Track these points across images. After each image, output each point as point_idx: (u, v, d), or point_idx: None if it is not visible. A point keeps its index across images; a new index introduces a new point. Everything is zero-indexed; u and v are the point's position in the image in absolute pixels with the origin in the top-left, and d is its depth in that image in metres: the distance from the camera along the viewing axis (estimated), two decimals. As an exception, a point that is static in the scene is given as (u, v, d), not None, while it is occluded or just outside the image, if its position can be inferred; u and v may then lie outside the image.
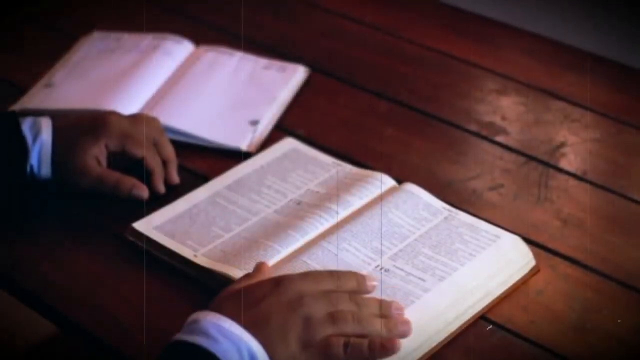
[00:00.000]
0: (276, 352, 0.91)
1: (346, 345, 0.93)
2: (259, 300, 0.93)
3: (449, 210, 1.13)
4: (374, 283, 1.00)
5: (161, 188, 1.19)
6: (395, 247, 1.08)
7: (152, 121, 1.22)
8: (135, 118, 1.22)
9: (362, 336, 0.93)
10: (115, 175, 1.17)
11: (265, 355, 0.90)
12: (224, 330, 0.90)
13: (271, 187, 1.18)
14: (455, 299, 1.02)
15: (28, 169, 1.15)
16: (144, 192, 1.17)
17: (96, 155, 1.17)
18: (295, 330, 0.92)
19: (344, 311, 0.94)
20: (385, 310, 0.97)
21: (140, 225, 1.12)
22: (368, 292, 0.99)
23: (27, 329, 1.74)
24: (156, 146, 1.20)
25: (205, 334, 0.90)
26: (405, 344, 0.97)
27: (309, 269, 1.03)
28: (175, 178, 1.21)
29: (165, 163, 1.21)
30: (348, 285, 0.98)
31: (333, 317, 0.93)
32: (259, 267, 1.01)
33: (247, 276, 1.00)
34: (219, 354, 0.89)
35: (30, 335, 1.76)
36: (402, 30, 1.53)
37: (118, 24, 1.51)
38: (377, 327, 0.95)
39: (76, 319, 1.05)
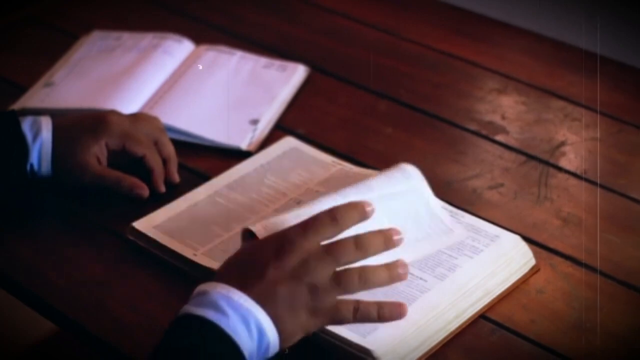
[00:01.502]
0: (286, 323, 0.91)
1: (356, 310, 0.93)
2: (263, 267, 0.92)
3: (449, 209, 1.13)
4: (372, 207, 0.96)
5: (161, 187, 1.19)
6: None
7: (152, 120, 1.22)
8: (135, 117, 1.22)
9: (367, 289, 0.93)
10: (115, 174, 1.17)
11: (273, 330, 0.90)
12: (234, 303, 0.90)
13: (271, 187, 1.18)
14: (456, 298, 1.02)
15: (28, 167, 1.15)
16: (144, 191, 1.17)
17: (96, 154, 1.17)
18: (302, 300, 0.92)
19: (349, 271, 0.93)
20: (388, 242, 0.95)
21: (140, 224, 1.12)
22: (368, 217, 0.96)
23: (27, 329, 1.74)
24: (157, 145, 1.20)
25: (215, 306, 0.89)
26: (405, 343, 0.97)
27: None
28: (176, 177, 1.21)
29: (165, 162, 1.21)
30: (349, 223, 0.95)
31: (339, 280, 0.93)
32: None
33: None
34: (227, 329, 0.88)
35: (30, 335, 1.76)
36: (402, 30, 1.53)
37: (118, 23, 1.51)
38: (381, 278, 0.94)
39: (76, 318, 1.05)
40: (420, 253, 1.06)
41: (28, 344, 1.76)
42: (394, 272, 0.95)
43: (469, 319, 1.02)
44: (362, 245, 0.94)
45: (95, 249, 1.13)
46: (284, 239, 0.94)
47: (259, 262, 0.93)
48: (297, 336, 0.93)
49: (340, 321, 0.94)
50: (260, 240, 0.97)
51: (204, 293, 0.91)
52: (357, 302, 0.94)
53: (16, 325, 1.72)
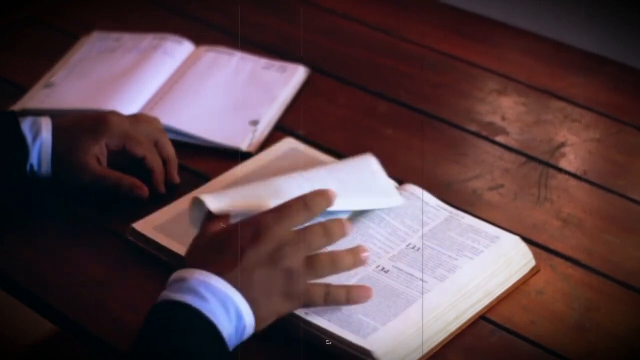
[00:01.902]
0: (261, 307, 0.94)
1: (327, 293, 0.98)
2: (240, 254, 0.95)
3: (449, 210, 1.13)
4: (334, 196, 1.01)
5: (161, 188, 1.19)
6: (396, 247, 1.08)
7: (152, 121, 1.22)
8: (136, 118, 1.22)
9: (335, 273, 0.99)
10: (115, 175, 1.17)
11: (250, 314, 0.94)
12: (212, 288, 0.92)
13: (271, 187, 1.18)
14: (456, 299, 1.02)
15: (28, 168, 1.15)
16: (143, 192, 1.17)
17: (96, 155, 1.17)
18: (277, 285, 0.96)
19: (319, 256, 0.98)
20: (347, 228, 1.00)
21: (140, 225, 1.12)
22: (332, 201, 1.01)
23: (27, 329, 1.74)
24: (157, 146, 1.21)
25: (194, 291, 0.92)
26: (405, 344, 0.97)
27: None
28: (176, 178, 1.21)
29: (165, 163, 1.21)
30: (319, 209, 1.00)
31: (311, 263, 0.97)
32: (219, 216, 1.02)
33: (213, 221, 1.01)
34: (208, 314, 0.91)
35: (30, 335, 1.75)
36: (402, 30, 1.53)
37: (118, 24, 1.51)
38: (347, 262, 0.99)
39: (76, 319, 1.05)
40: (359, 205, 1.11)
41: (28, 344, 1.76)
42: (357, 257, 1.00)
43: (469, 320, 1.03)
44: (329, 231, 0.99)
45: (95, 249, 1.13)
46: (259, 225, 0.97)
47: (235, 247, 0.96)
48: (270, 320, 0.96)
49: (312, 304, 0.98)
50: (233, 225, 0.99)
51: (181, 279, 0.94)
52: (327, 286, 0.98)
53: (16, 325, 1.71)
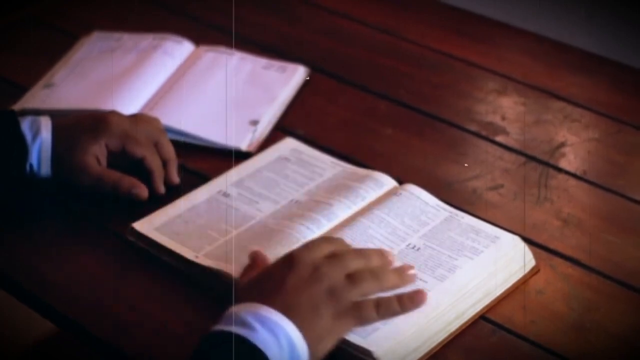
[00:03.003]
0: (313, 329, 0.92)
1: (377, 305, 0.95)
2: (281, 282, 0.94)
3: (449, 210, 1.13)
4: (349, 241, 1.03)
5: (161, 188, 1.19)
6: (396, 247, 1.08)
7: (152, 121, 1.22)
8: (135, 118, 1.22)
9: (382, 290, 0.97)
10: (114, 175, 1.17)
11: (302, 340, 0.91)
12: (261, 317, 0.91)
13: (271, 188, 1.18)
14: (456, 299, 1.02)
15: (28, 168, 1.15)
16: (143, 192, 1.17)
17: (96, 155, 1.17)
18: (324, 303, 0.93)
19: (359, 270, 0.97)
20: (384, 257, 1.00)
21: (140, 226, 1.12)
22: (349, 243, 1.02)
23: (27, 329, 1.74)
24: (156, 146, 1.20)
25: (242, 322, 0.90)
26: (405, 344, 0.97)
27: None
28: (176, 178, 1.21)
29: (165, 163, 1.21)
30: (344, 246, 1.01)
31: (353, 279, 0.95)
32: (255, 255, 1.02)
33: (248, 268, 1.01)
34: (258, 343, 0.89)
35: (30, 335, 1.76)
36: (402, 30, 1.53)
37: (118, 24, 1.51)
38: (392, 278, 0.98)
39: (76, 319, 1.05)
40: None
41: (28, 344, 1.76)
42: (402, 275, 0.99)
43: (469, 320, 1.03)
44: (363, 252, 0.99)
45: (95, 249, 1.13)
46: (293, 256, 0.97)
47: (276, 278, 0.95)
48: (326, 342, 0.94)
49: (366, 320, 0.96)
50: (271, 264, 0.99)
51: (229, 314, 0.92)
52: (377, 299, 0.96)
53: (16, 325, 1.71)
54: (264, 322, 0.90)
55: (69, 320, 1.05)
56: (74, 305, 1.06)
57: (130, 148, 1.18)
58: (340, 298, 0.94)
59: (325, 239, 1.02)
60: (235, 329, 0.90)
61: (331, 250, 0.98)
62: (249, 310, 0.91)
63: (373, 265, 0.98)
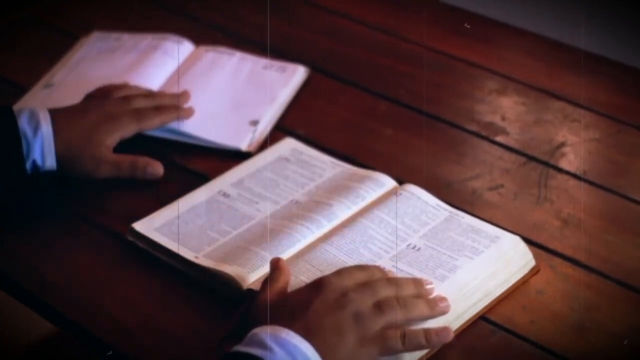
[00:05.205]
0: (335, 353, 0.91)
1: (403, 336, 0.94)
2: (307, 305, 0.94)
3: (449, 210, 1.13)
4: (391, 269, 1.03)
5: (159, 169, 1.21)
6: (396, 247, 1.08)
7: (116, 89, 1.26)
8: (111, 102, 1.24)
9: (410, 320, 0.96)
10: (128, 158, 1.18)
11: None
12: (281, 340, 0.90)
13: (271, 188, 1.18)
14: (456, 299, 1.02)
15: (31, 164, 1.14)
16: (159, 168, 1.19)
17: (110, 146, 1.18)
18: (349, 328, 0.92)
19: (388, 298, 0.96)
20: (419, 287, 0.99)
21: (140, 226, 1.12)
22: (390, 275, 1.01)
23: (27, 329, 1.74)
24: (130, 100, 1.24)
25: (261, 344, 0.90)
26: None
27: (310, 271, 1.04)
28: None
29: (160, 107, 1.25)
30: (377, 274, 0.99)
31: (381, 307, 0.95)
32: (276, 264, 1.01)
33: (268, 280, 1.00)
34: None
35: (30, 335, 1.75)
36: (402, 30, 1.53)
37: (118, 23, 1.51)
38: (422, 308, 0.97)
39: (76, 319, 1.05)
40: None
41: (28, 344, 1.76)
42: (433, 305, 0.98)
43: (469, 320, 1.03)
44: (393, 280, 0.98)
45: (95, 249, 1.13)
46: (321, 280, 0.97)
47: (302, 301, 0.95)
48: None
49: (390, 350, 0.94)
50: (298, 289, 0.98)
51: (252, 335, 0.92)
52: (403, 329, 0.95)
53: (16, 325, 1.71)
54: (282, 344, 0.90)
55: (69, 320, 1.05)
56: (74, 305, 1.06)
57: (146, 126, 1.23)
58: (366, 325, 0.93)
59: (359, 267, 1.01)
60: (253, 350, 0.89)
61: (363, 278, 0.98)
62: (269, 332, 0.91)
63: (404, 294, 0.97)
